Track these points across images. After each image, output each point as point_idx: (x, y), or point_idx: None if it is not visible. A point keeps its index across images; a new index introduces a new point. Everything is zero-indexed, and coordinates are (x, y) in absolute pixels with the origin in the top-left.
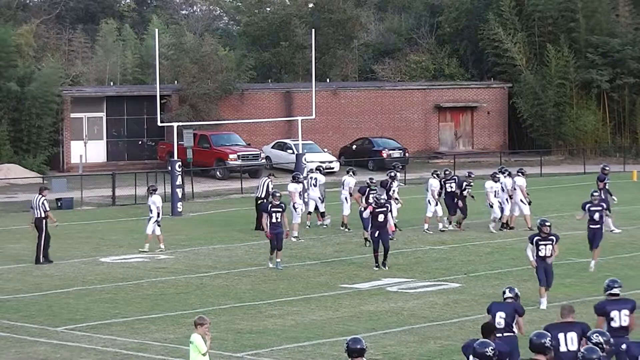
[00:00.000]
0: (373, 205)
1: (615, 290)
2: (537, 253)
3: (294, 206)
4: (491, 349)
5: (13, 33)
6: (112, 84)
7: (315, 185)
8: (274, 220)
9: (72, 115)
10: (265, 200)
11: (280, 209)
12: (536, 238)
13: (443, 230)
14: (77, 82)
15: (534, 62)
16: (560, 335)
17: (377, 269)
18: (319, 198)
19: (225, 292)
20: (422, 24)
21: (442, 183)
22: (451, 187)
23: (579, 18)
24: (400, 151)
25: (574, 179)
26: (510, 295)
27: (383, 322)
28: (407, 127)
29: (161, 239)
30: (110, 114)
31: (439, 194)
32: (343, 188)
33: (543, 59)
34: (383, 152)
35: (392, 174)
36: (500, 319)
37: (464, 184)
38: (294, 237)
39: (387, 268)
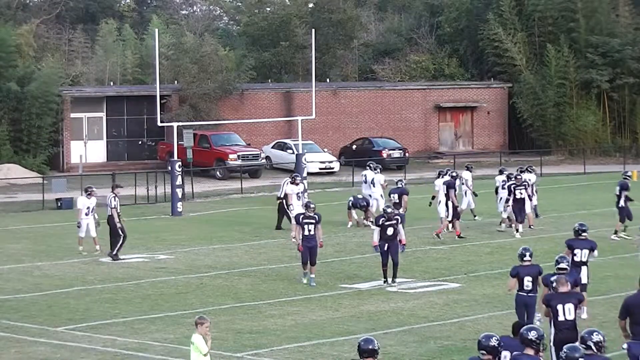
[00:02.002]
0: (383, 217)
1: (562, 265)
2: (572, 258)
3: (289, 208)
4: (495, 339)
5: (13, 33)
6: (112, 84)
7: (365, 182)
8: (306, 232)
9: (72, 115)
10: (284, 201)
11: (313, 221)
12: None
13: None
14: (77, 82)
15: (534, 62)
16: (559, 307)
17: (384, 284)
18: (370, 195)
19: (225, 292)
20: (422, 24)
21: (512, 189)
22: (521, 194)
23: (579, 18)
24: (400, 151)
25: (574, 179)
26: (530, 258)
27: (383, 322)
28: (407, 127)
29: (96, 241)
30: (110, 114)
31: (507, 200)
32: (374, 185)
33: (543, 59)
34: (383, 152)
35: (454, 174)
36: (528, 282)
37: (512, 186)
38: (293, 238)
39: (396, 284)
